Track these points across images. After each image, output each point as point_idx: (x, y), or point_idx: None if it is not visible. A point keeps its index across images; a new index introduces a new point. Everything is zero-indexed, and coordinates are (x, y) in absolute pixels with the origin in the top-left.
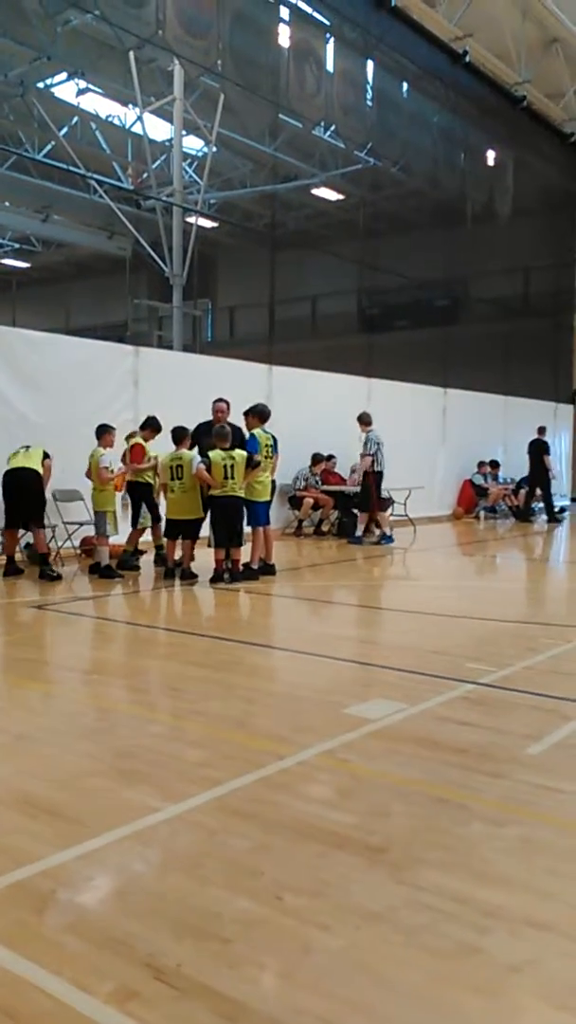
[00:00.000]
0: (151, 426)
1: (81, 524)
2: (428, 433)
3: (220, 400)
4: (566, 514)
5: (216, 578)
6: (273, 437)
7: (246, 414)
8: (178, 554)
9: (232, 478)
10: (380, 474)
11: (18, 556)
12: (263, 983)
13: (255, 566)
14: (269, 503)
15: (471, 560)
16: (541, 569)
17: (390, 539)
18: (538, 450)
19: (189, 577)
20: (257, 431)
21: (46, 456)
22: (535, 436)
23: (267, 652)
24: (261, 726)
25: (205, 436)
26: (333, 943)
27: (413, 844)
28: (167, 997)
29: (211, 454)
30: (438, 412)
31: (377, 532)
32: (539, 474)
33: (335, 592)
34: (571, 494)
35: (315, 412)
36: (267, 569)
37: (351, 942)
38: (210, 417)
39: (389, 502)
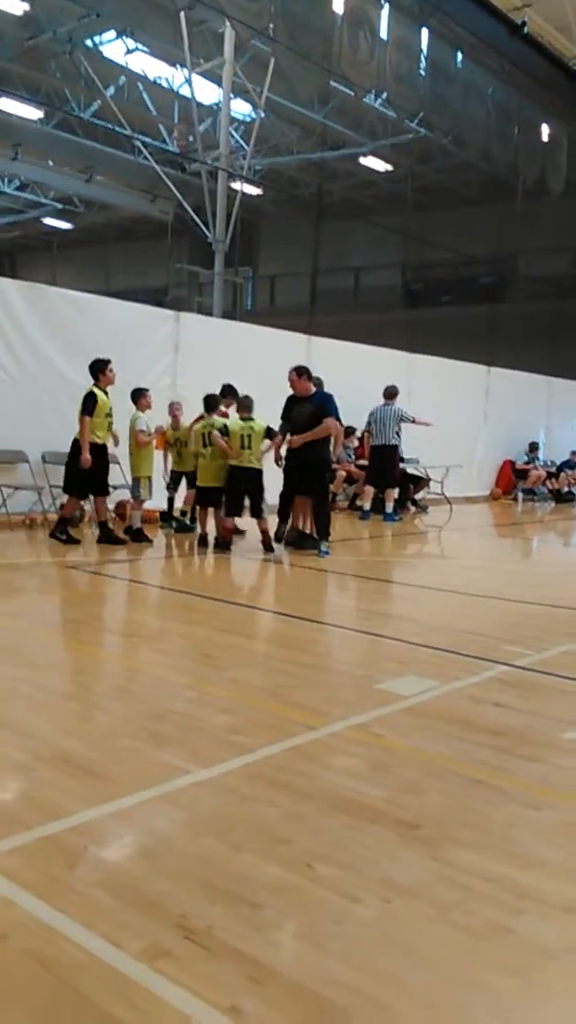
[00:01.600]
0: (229, 393)
1: (115, 488)
2: (469, 412)
3: (293, 369)
4: None
5: (223, 545)
6: None
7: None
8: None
9: (248, 448)
10: (375, 448)
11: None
12: (293, 950)
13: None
14: None
15: (508, 541)
16: None
17: (367, 514)
18: None
19: (222, 545)
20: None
21: (84, 406)
22: None
23: (299, 623)
24: (293, 696)
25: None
26: (364, 914)
27: (446, 822)
28: (197, 957)
29: (229, 423)
30: (480, 391)
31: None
32: None
33: (368, 567)
34: None
35: (354, 386)
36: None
37: (382, 914)
38: (246, 385)
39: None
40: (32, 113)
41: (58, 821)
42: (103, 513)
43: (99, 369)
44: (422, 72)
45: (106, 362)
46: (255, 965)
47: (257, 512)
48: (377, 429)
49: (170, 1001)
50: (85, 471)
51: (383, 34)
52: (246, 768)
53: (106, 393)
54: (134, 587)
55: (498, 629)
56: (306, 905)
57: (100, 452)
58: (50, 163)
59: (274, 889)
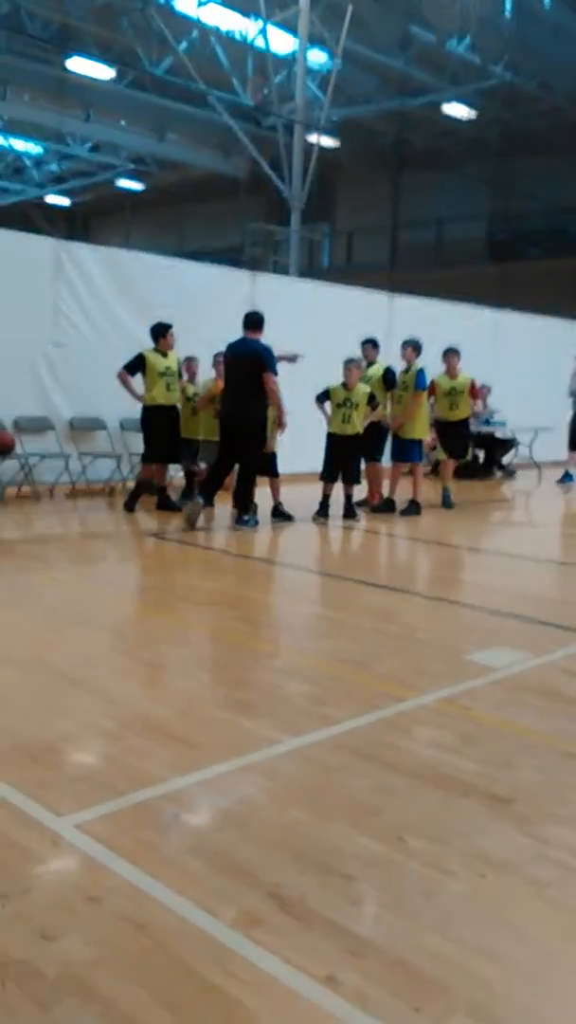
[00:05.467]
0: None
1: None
2: (560, 371)
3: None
4: None
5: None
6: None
7: (406, 346)
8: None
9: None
10: None
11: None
12: (388, 922)
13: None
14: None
15: None
16: None
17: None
18: None
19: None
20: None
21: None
22: None
23: (383, 592)
24: (380, 667)
25: None
26: (458, 888)
27: (540, 797)
28: (292, 928)
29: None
30: (573, 348)
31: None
32: None
33: (452, 535)
34: None
35: (439, 346)
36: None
37: (476, 889)
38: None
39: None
40: (104, 73)
41: (149, 788)
42: (162, 478)
43: (159, 333)
44: (507, 14)
45: (167, 327)
46: (349, 936)
47: (351, 479)
48: None
49: (267, 970)
50: (150, 434)
51: None
52: (334, 740)
53: (165, 355)
54: (214, 556)
55: None
56: (398, 877)
57: (161, 414)
58: (122, 123)
59: (365, 860)
